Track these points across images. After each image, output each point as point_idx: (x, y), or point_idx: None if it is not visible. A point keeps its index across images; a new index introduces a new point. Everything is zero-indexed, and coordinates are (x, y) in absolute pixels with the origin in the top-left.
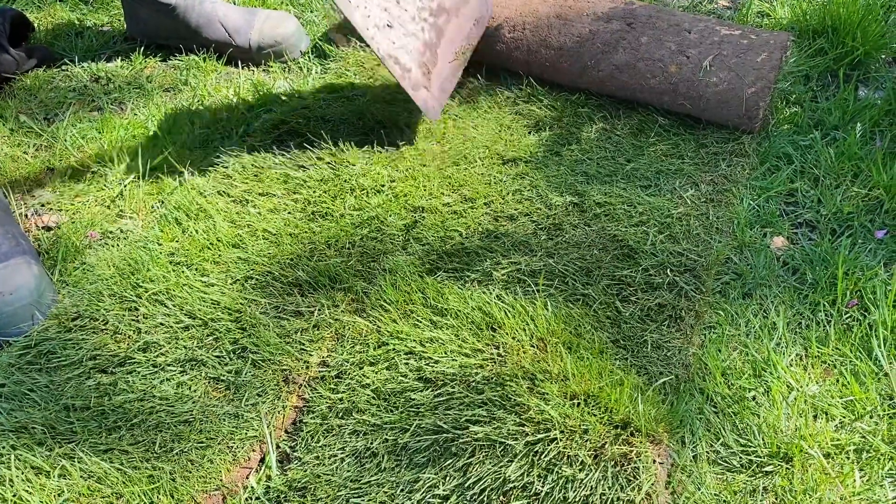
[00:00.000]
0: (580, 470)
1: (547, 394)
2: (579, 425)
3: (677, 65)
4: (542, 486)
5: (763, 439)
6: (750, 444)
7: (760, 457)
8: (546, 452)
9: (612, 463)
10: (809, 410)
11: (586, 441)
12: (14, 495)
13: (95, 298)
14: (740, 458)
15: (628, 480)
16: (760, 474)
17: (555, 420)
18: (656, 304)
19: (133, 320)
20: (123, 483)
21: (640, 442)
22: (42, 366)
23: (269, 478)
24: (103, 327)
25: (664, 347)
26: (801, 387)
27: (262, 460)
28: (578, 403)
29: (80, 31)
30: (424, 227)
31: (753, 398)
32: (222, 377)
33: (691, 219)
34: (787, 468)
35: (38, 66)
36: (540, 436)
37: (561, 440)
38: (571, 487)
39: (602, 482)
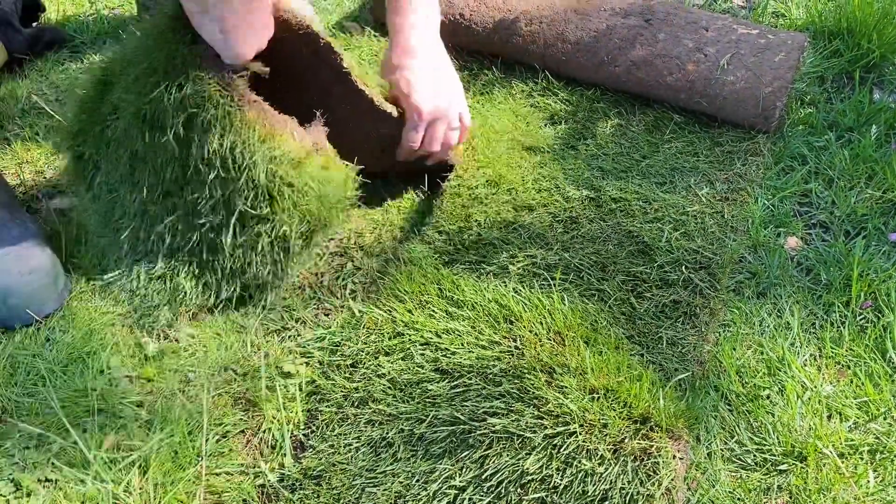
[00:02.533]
0: (599, 464)
1: (566, 387)
2: (598, 419)
3: (695, 62)
4: (561, 480)
5: (777, 438)
6: (764, 442)
7: (775, 455)
8: (565, 446)
9: (632, 457)
10: (824, 410)
11: (606, 435)
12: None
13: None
14: (755, 456)
15: (648, 475)
16: (775, 472)
17: (574, 413)
18: (671, 301)
19: None
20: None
21: (660, 437)
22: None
23: (282, 465)
24: None
25: (679, 343)
26: (816, 387)
27: (274, 447)
28: (597, 397)
29: (91, 13)
30: (444, 212)
31: (768, 397)
32: None
33: (706, 216)
34: (801, 467)
35: (50, 48)
36: (559, 429)
37: (580, 434)
38: (591, 481)
39: (622, 476)
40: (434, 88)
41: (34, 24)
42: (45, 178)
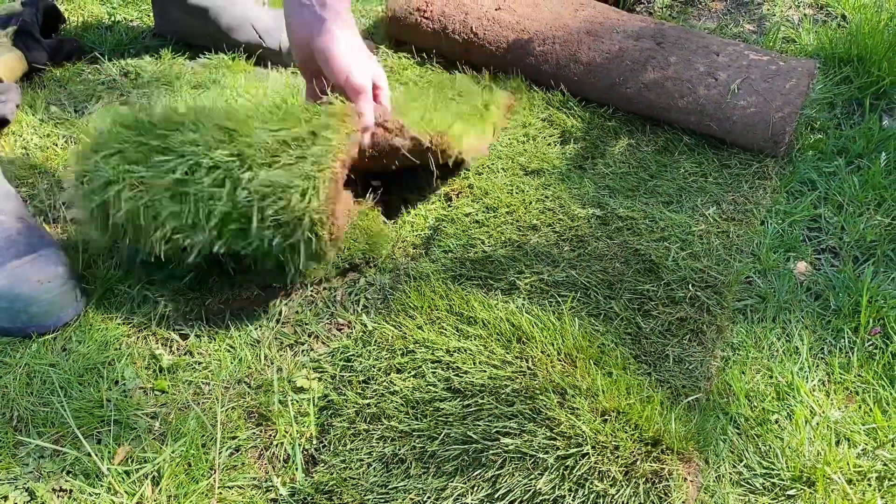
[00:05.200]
0: (612, 485)
1: (578, 409)
2: (610, 441)
3: (706, 86)
4: (574, 500)
5: (786, 462)
6: (773, 466)
7: (783, 480)
8: (578, 467)
9: (644, 480)
10: (832, 436)
11: (617, 457)
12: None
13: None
14: (763, 480)
15: (660, 498)
16: (783, 497)
17: (586, 435)
18: (677, 319)
19: None
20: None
21: (671, 459)
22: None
23: (294, 479)
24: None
25: (686, 361)
26: (824, 412)
27: (286, 461)
28: (609, 420)
29: (109, 25)
30: (446, 234)
31: (776, 421)
32: None
33: (712, 236)
34: (810, 493)
35: (69, 58)
36: (571, 450)
37: (592, 455)
38: (603, 502)
39: (633, 498)
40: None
41: (54, 35)
42: (62, 187)
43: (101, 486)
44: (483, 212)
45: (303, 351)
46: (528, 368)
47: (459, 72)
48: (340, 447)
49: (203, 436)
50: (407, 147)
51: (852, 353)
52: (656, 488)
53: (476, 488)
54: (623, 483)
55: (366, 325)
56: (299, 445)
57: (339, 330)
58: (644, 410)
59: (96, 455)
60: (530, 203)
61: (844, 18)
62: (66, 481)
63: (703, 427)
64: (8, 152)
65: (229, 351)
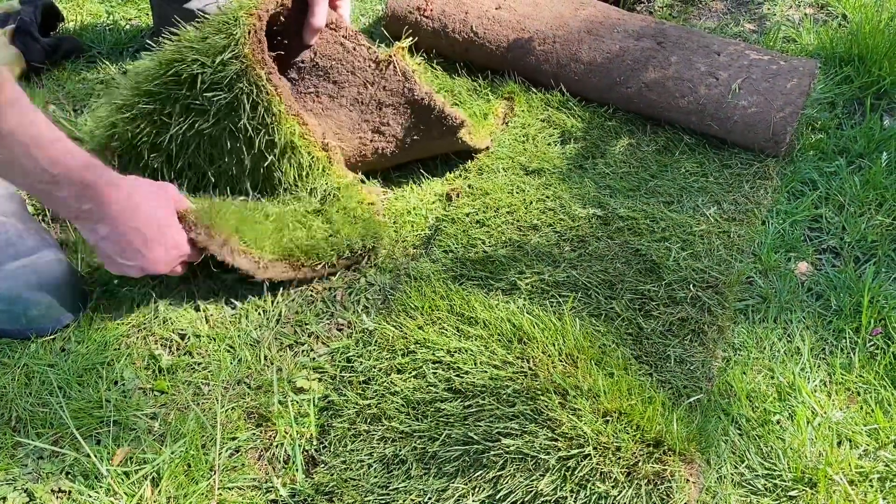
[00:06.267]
0: (613, 486)
1: (579, 409)
2: (612, 442)
3: (707, 86)
4: (575, 502)
5: (788, 463)
6: (775, 467)
7: (785, 481)
8: (579, 468)
9: (646, 481)
10: (834, 437)
11: (619, 458)
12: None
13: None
14: (765, 481)
15: (662, 499)
16: (785, 499)
17: (588, 436)
18: (678, 319)
19: None
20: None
21: (673, 460)
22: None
23: (294, 480)
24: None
25: (687, 362)
26: (826, 413)
27: (286, 462)
28: (610, 420)
29: (108, 24)
30: (447, 234)
31: (778, 422)
32: None
33: (713, 236)
34: (811, 493)
35: (67, 57)
36: (573, 451)
37: (594, 456)
38: None
39: (636, 499)
40: None
41: (52, 34)
42: None
43: (101, 487)
44: (483, 212)
45: (303, 351)
46: (529, 369)
47: (459, 71)
48: (341, 448)
49: (203, 436)
50: (364, 57)
51: (854, 354)
52: (658, 489)
53: (477, 489)
54: (625, 484)
55: (366, 326)
56: (299, 446)
57: (340, 330)
58: (646, 411)
59: (95, 456)
60: (531, 203)
61: (845, 18)
62: (66, 482)
63: (705, 428)
64: None
65: (229, 351)
